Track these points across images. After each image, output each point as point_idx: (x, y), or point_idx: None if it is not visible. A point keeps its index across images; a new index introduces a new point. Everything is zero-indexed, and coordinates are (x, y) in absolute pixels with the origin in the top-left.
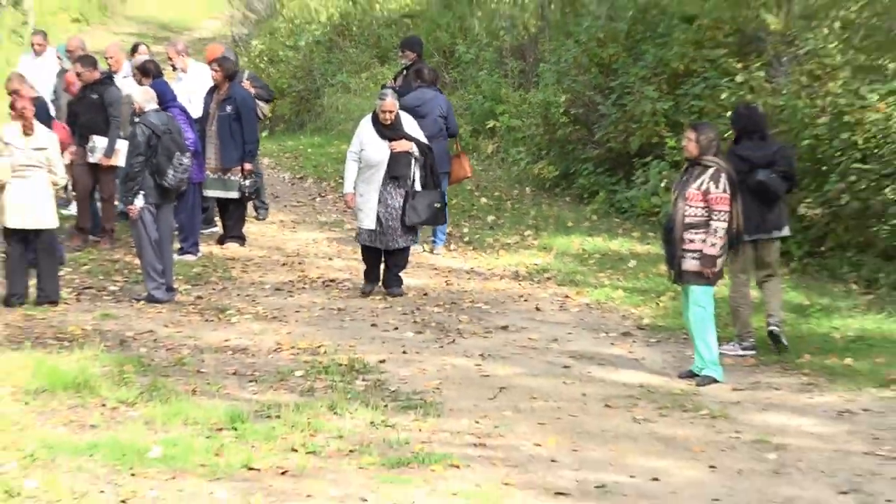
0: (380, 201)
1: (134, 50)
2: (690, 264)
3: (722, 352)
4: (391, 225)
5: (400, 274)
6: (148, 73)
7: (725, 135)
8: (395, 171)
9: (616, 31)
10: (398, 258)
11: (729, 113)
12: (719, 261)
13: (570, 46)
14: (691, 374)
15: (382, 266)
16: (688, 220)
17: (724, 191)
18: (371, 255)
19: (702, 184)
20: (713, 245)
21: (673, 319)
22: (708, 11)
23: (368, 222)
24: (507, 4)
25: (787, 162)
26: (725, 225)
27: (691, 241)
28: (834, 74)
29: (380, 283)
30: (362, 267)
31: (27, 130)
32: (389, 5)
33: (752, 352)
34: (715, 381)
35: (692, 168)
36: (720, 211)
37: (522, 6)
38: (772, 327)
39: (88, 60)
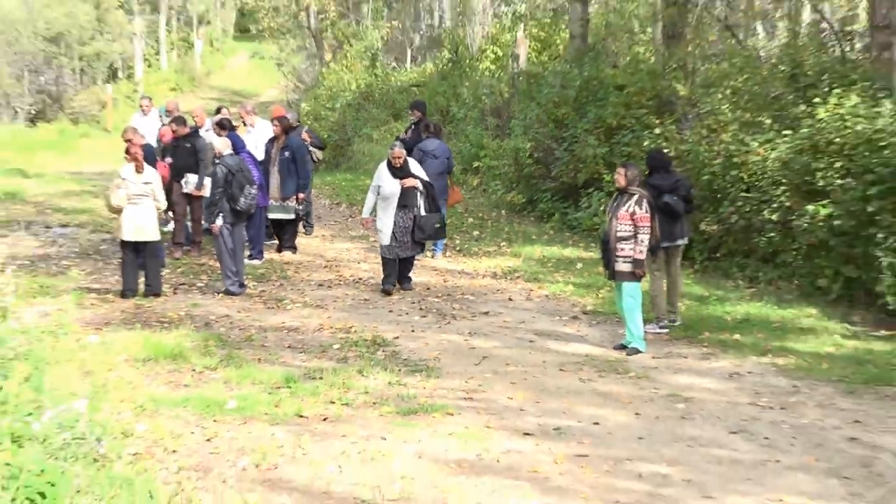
0: (395, 224)
1: (217, 111)
2: (623, 267)
3: (645, 330)
4: (404, 240)
5: (409, 274)
6: (224, 127)
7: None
8: (405, 201)
9: (567, 96)
10: (408, 263)
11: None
12: (640, 267)
13: (533, 108)
14: (622, 347)
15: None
16: (619, 234)
17: (646, 212)
18: (389, 263)
19: (629, 207)
20: (641, 252)
21: (608, 307)
22: (634, 83)
23: (386, 240)
24: (487, 77)
25: (685, 189)
26: (648, 236)
27: (622, 249)
28: (725, 128)
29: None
30: (382, 271)
31: (138, 169)
32: (401, 77)
33: (666, 330)
34: (639, 351)
35: (621, 196)
36: (644, 227)
37: (499, 78)
38: (674, 316)
39: (180, 120)
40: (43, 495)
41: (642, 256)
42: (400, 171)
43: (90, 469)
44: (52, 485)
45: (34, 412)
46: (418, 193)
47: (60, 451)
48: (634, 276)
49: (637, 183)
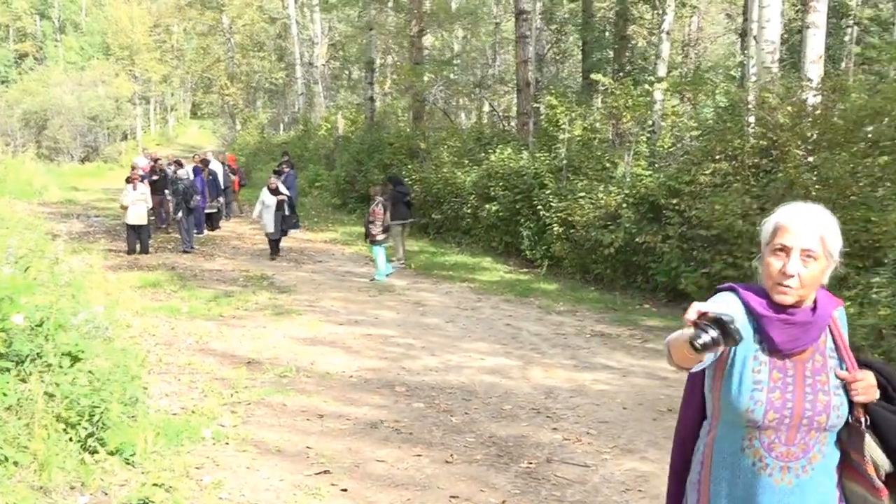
0: (274, 220)
1: (193, 158)
2: (372, 237)
3: (392, 264)
4: (279, 228)
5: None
6: (182, 164)
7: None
8: (278, 208)
9: (363, 148)
10: (279, 241)
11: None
12: (379, 237)
13: (345, 154)
14: (373, 278)
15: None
16: (370, 219)
17: (380, 209)
18: (272, 242)
19: (373, 207)
20: (375, 230)
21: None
22: (398, 141)
23: (270, 228)
24: (322, 138)
25: (409, 193)
26: (380, 222)
27: (370, 228)
28: (444, 165)
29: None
30: (269, 245)
31: (134, 186)
32: (277, 139)
33: (402, 265)
34: (376, 279)
35: (372, 200)
36: (377, 218)
37: (328, 139)
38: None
39: (178, 162)
40: (77, 357)
41: (375, 232)
42: (275, 192)
43: (103, 344)
44: (83, 350)
45: (74, 314)
46: (285, 203)
47: (87, 334)
48: (374, 242)
49: (379, 195)
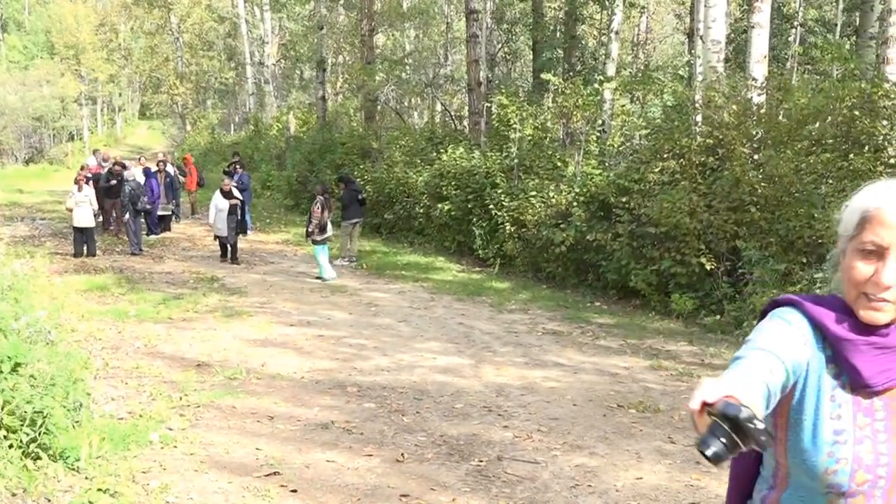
0: (227, 224)
1: (139, 159)
2: (309, 236)
3: (338, 263)
4: (232, 232)
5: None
6: (126, 167)
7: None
8: (231, 212)
9: (315, 148)
10: (235, 245)
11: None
12: (317, 237)
13: (297, 155)
14: (319, 277)
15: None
16: (309, 218)
17: (318, 208)
18: (223, 246)
19: (315, 204)
20: (312, 229)
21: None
22: (350, 141)
23: (224, 232)
24: (274, 138)
25: (361, 192)
26: (316, 221)
27: (310, 228)
28: (397, 164)
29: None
30: (220, 249)
31: (80, 188)
32: (228, 139)
33: (351, 263)
34: (323, 279)
35: (313, 200)
36: (315, 216)
37: (279, 139)
38: (353, 256)
39: (119, 164)
40: (17, 364)
41: (310, 230)
42: (228, 195)
43: (45, 348)
44: (24, 355)
45: (16, 318)
46: (238, 206)
47: (28, 339)
48: (315, 242)
49: (319, 194)
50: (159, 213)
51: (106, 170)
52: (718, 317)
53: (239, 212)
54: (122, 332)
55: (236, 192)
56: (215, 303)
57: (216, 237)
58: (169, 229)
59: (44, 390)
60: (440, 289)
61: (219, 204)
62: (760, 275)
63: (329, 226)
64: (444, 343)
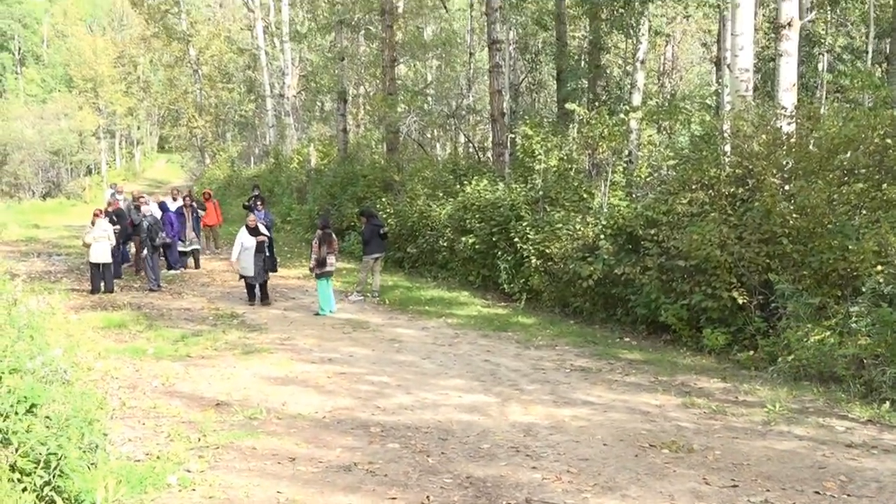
0: (254, 263)
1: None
2: (311, 269)
3: (353, 299)
4: (260, 272)
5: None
6: (147, 202)
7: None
8: (259, 249)
9: (336, 181)
10: (265, 285)
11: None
12: (316, 271)
13: (318, 188)
14: (317, 313)
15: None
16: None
17: (315, 242)
18: (250, 286)
19: (314, 239)
20: (311, 264)
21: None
22: (372, 174)
23: (251, 272)
24: (294, 171)
25: (383, 226)
26: (315, 256)
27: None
28: (419, 198)
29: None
30: (247, 291)
31: (94, 223)
32: (247, 172)
33: (363, 298)
34: (321, 313)
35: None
36: (312, 250)
37: (300, 172)
38: (375, 291)
39: (140, 199)
40: (31, 403)
41: (311, 265)
42: (254, 231)
43: (61, 388)
44: (38, 396)
45: (31, 357)
46: (265, 244)
47: (43, 378)
48: (317, 276)
49: (319, 228)
50: (188, 248)
51: (131, 206)
52: (752, 352)
53: (267, 249)
54: (139, 370)
55: (263, 229)
56: (235, 340)
57: (241, 277)
58: (198, 266)
59: (59, 431)
60: (465, 324)
61: (245, 241)
62: (794, 309)
63: (330, 259)
64: (469, 380)
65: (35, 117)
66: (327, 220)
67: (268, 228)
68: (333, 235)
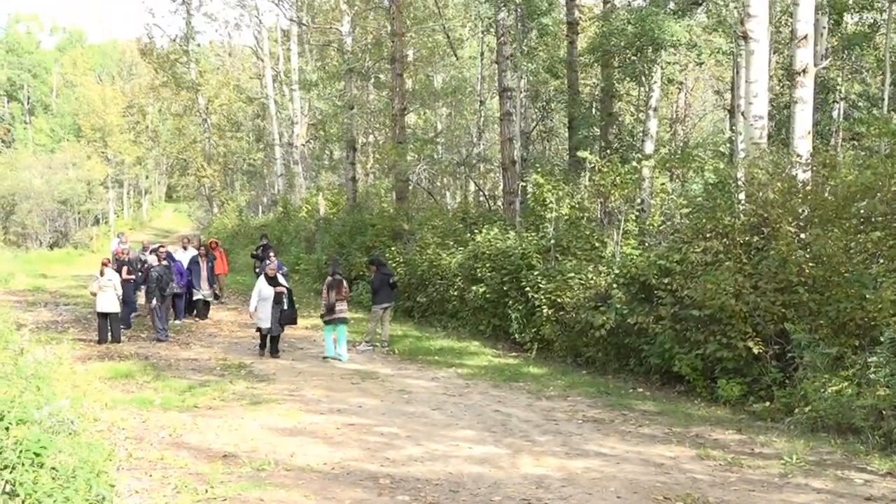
0: (271, 314)
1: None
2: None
3: (362, 349)
4: (276, 324)
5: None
6: (164, 253)
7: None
8: (277, 300)
9: (345, 230)
10: (278, 339)
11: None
12: (325, 317)
13: (326, 237)
14: (324, 357)
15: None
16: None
17: (324, 288)
18: (264, 337)
19: (323, 286)
20: (321, 311)
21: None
22: (381, 223)
23: (267, 324)
24: (303, 220)
25: (392, 275)
26: (324, 302)
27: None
28: (429, 247)
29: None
30: (260, 341)
31: (102, 273)
32: (255, 222)
33: (371, 347)
34: (326, 358)
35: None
36: (322, 297)
37: (309, 221)
38: (385, 341)
39: (149, 248)
40: (38, 454)
41: (322, 311)
42: (273, 281)
43: (68, 439)
44: (44, 447)
45: (38, 407)
46: (283, 294)
47: (50, 429)
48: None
49: (329, 275)
50: (203, 297)
51: (149, 256)
52: (768, 403)
53: (285, 301)
54: (146, 421)
55: (282, 280)
56: (242, 390)
57: (258, 329)
58: (206, 316)
59: (66, 483)
60: (475, 374)
61: (263, 291)
62: (811, 359)
63: (340, 305)
64: (479, 432)
65: (43, 167)
66: (337, 267)
67: (284, 277)
68: (344, 282)
